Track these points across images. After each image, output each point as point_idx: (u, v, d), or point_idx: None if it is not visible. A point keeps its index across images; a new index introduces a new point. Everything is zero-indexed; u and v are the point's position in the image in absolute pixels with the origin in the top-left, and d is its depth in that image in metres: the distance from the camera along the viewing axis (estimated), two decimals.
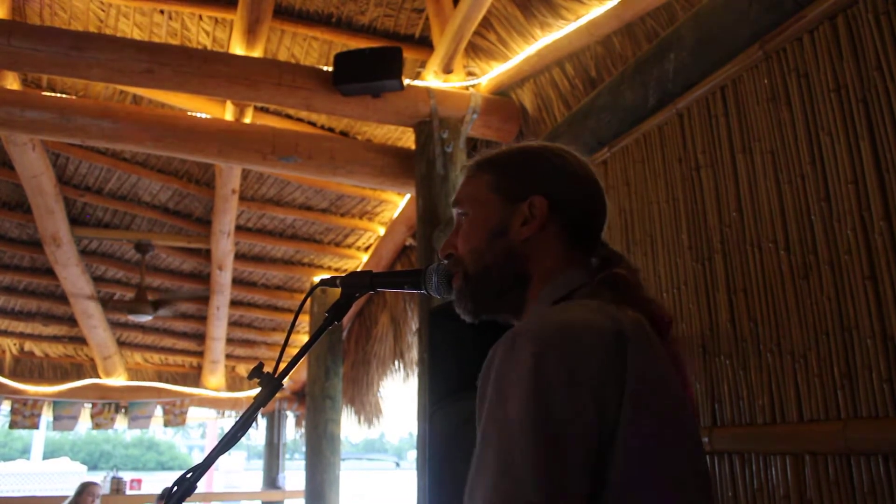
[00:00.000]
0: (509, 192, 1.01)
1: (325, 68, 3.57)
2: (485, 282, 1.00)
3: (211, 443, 12.73)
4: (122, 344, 6.97)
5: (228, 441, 0.99)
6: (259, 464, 9.08)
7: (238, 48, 3.64)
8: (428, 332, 2.54)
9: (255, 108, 4.46)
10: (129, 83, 3.58)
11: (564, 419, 0.75)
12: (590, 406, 0.76)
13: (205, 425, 15.02)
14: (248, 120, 4.32)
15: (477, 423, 0.83)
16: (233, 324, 6.79)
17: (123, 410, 7.10)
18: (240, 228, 5.65)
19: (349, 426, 6.92)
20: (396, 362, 6.14)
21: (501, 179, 1.02)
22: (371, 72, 3.44)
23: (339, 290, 1.14)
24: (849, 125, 1.47)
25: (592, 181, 1.04)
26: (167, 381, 7.21)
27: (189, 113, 4.33)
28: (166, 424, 7.26)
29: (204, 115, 4.24)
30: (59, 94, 4.22)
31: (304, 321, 6.46)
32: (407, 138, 4.46)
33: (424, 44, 4.03)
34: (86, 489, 5.05)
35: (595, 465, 0.76)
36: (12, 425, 6.70)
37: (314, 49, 4.19)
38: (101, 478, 7.17)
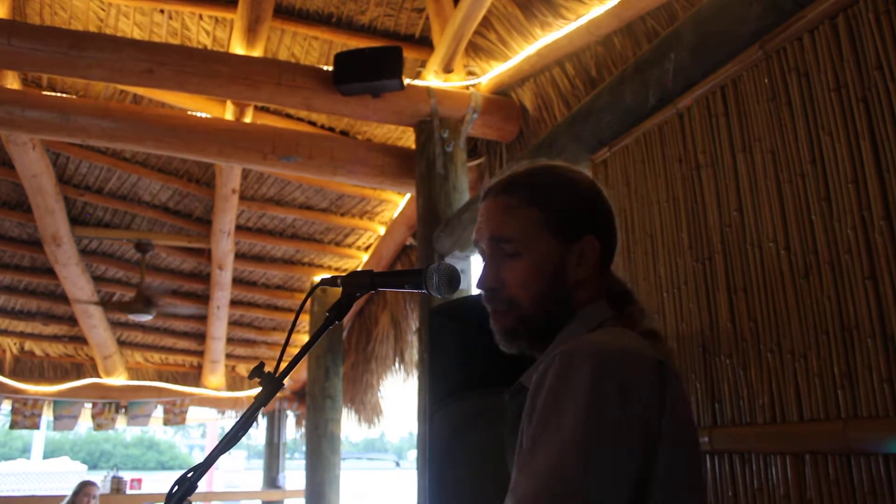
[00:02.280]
0: (563, 232, 1.02)
1: (325, 68, 3.57)
2: (545, 323, 1.02)
3: (211, 442, 12.73)
4: (122, 343, 6.98)
5: (229, 441, 1.00)
6: (259, 463, 9.08)
7: (238, 48, 3.64)
8: (428, 332, 2.54)
9: (255, 108, 4.46)
10: (129, 83, 3.58)
11: (617, 437, 0.80)
12: (638, 427, 0.82)
13: (205, 425, 15.03)
14: (248, 120, 4.32)
15: (524, 431, 0.87)
16: (233, 323, 6.80)
17: (124, 410, 7.11)
18: (240, 228, 5.65)
19: (349, 426, 6.93)
20: (396, 362, 6.14)
21: (554, 218, 1.02)
22: (371, 71, 3.44)
23: (339, 289, 1.14)
24: (849, 125, 1.47)
25: (612, 214, 1.08)
26: (167, 381, 7.22)
27: (189, 113, 4.33)
28: (166, 423, 7.26)
29: (204, 115, 4.24)
30: (59, 94, 4.22)
31: (305, 321, 6.46)
32: (407, 138, 4.46)
33: (424, 43, 4.03)
34: (83, 489, 5.03)
35: (636, 484, 0.81)
36: (13, 425, 6.70)
37: (314, 49, 4.19)
38: (101, 477, 7.17)
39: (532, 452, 0.82)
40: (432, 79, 3.76)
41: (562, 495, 0.76)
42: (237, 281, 6.26)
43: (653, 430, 0.83)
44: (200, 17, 4.11)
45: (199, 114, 4.30)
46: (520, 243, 1.02)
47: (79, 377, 6.92)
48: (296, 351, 1.09)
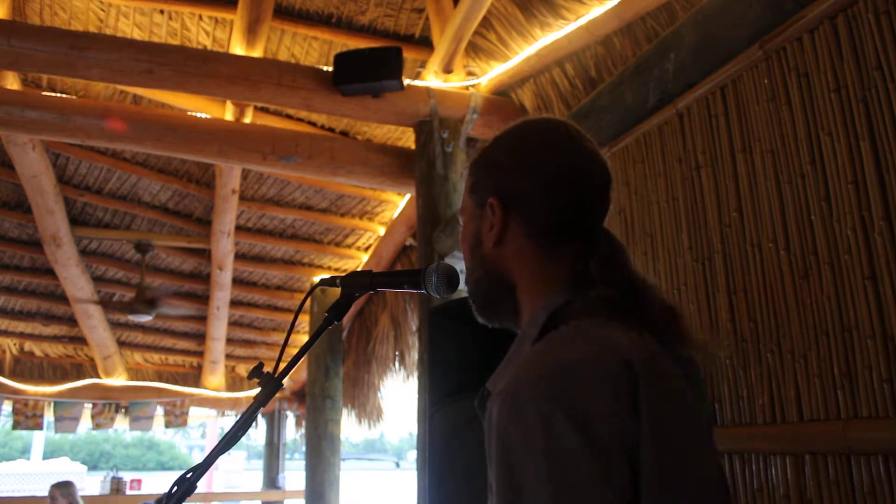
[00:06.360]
0: (478, 197, 0.95)
1: (325, 68, 3.57)
2: (478, 296, 0.98)
3: (211, 443, 12.73)
4: (122, 344, 6.98)
5: (228, 441, 0.99)
6: (259, 464, 9.08)
7: (238, 48, 3.64)
8: (428, 332, 2.53)
9: (255, 108, 4.46)
10: (129, 83, 3.58)
11: (589, 479, 0.68)
12: (616, 456, 0.70)
13: (205, 425, 15.03)
14: (248, 120, 4.32)
15: (489, 474, 0.77)
16: (233, 324, 6.80)
17: (124, 411, 7.10)
18: (240, 228, 5.65)
19: (349, 426, 6.93)
20: (396, 362, 6.14)
21: (473, 183, 0.97)
22: (371, 72, 3.44)
23: (338, 289, 1.14)
24: (849, 125, 1.47)
25: (560, 164, 0.90)
26: (167, 381, 7.22)
27: (189, 113, 4.33)
28: (167, 426, 7.26)
29: (204, 115, 4.24)
30: (59, 94, 4.22)
31: (304, 321, 6.46)
32: (407, 138, 4.46)
33: (424, 44, 4.03)
34: (49, 492, 4.73)
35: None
36: (15, 426, 6.70)
37: (314, 49, 4.19)
38: (101, 478, 7.17)
39: None
40: (432, 79, 3.76)
41: None
42: (237, 281, 6.26)
43: (630, 441, 0.71)
44: (200, 17, 4.11)
45: (199, 114, 4.30)
46: (461, 214, 1.00)
47: (78, 377, 6.92)
48: (295, 351, 1.09)
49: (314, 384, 6.06)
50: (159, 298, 5.90)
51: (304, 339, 6.74)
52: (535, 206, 0.90)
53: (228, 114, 4.28)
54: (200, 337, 6.95)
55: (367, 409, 6.78)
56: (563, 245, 0.90)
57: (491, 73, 3.78)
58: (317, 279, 6.29)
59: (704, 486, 0.77)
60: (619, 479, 0.69)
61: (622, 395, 0.72)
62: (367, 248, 6.05)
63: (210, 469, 1.00)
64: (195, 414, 7.86)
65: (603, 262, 0.88)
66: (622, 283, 0.87)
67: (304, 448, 6.66)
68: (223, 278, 5.85)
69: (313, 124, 4.78)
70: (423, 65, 3.92)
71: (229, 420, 8.14)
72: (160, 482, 9.68)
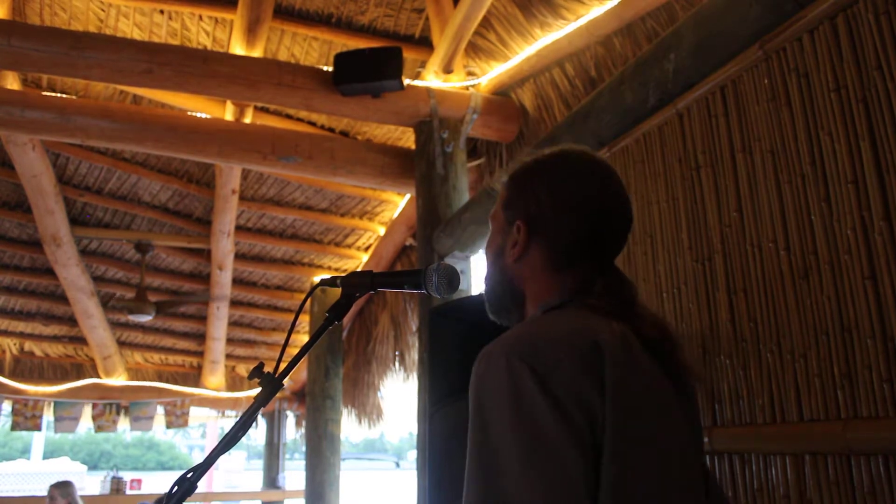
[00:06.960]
0: (509, 213, 1.04)
1: (325, 68, 3.57)
2: (492, 298, 1.07)
3: (211, 443, 12.74)
4: (122, 344, 6.98)
5: (229, 441, 1.00)
6: (259, 464, 9.08)
7: (238, 48, 3.64)
8: (428, 332, 2.54)
9: (255, 108, 4.46)
10: (129, 83, 3.58)
11: (552, 437, 0.75)
12: (575, 415, 0.77)
13: (205, 425, 15.04)
14: (248, 120, 4.32)
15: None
16: (233, 324, 6.80)
17: (125, 412, 7.10)
18: (240, 228, 5.65)
19: (349, 426, 6.93)
20: (396, 362, 6.14)
21: (507, 198, 1.05)
22: (371, 72, 3.44)
23: (339, 289, 1.14)
24: (849, 125, 1.47)
25: (587, 202, 0.99)
26: (167, 381, 7.22)
27: (189, 113, 4.33)
28: (168, 426, 7.26)
29: (204, 115, 4.24)
30: (59, 94, 4.22)
31: (305, 321, 6.46)
32: (407, 138, 4.46)
33: (424, 44, 4.03)
34: (48, 492, 4.71)
35: (586, 476, 0.75)
36: (14, 427, 6.70)
37: (314, 49, 4.19)
38: (101, 478, 7.17)
39: (468, 472, 0.79)
40: (432, 79, 3.76)
41: None
42: (237, 281, 6.26)
43: (596, 411, 0.77)
44: (200, 17, 4.12)
45: (199, 114, 4.30)
46: (491, 220, 1.09)
47: (79, 377, 6.92)
48: (295, 351, 1.09)
49: (314, 384, 6.06)
50: (172, 305, 5.92)
51: (305, 339, 6.74)
52: (557, 236, 1.00)
53: (228, 114, 4.28)
54: (200, 337, 6.96)
55: (367, 409, 6.78)
56: (576, 268, 1.00)
57: (491, 73, 3.78)
58: (317, 279, 6.29)
59: (668, 459, 0.83)
60: (574, 428, 0.76)
61: (585, 369, 0.80)
62: (367, 248, 6.06)
63: (210, 469, 1.00)
64: (195, 414, 7.87)
65: (607, 283, 0.98)
66: (620, 299, 0.96)
67: (304, 448, 6.66)
68: (223, 278, 5.85)
69: (313, 124, 4.79)
70: (423, 65, 3.92)
71: (229, 420, 8.14)
72: (160, 482, 9.68)
